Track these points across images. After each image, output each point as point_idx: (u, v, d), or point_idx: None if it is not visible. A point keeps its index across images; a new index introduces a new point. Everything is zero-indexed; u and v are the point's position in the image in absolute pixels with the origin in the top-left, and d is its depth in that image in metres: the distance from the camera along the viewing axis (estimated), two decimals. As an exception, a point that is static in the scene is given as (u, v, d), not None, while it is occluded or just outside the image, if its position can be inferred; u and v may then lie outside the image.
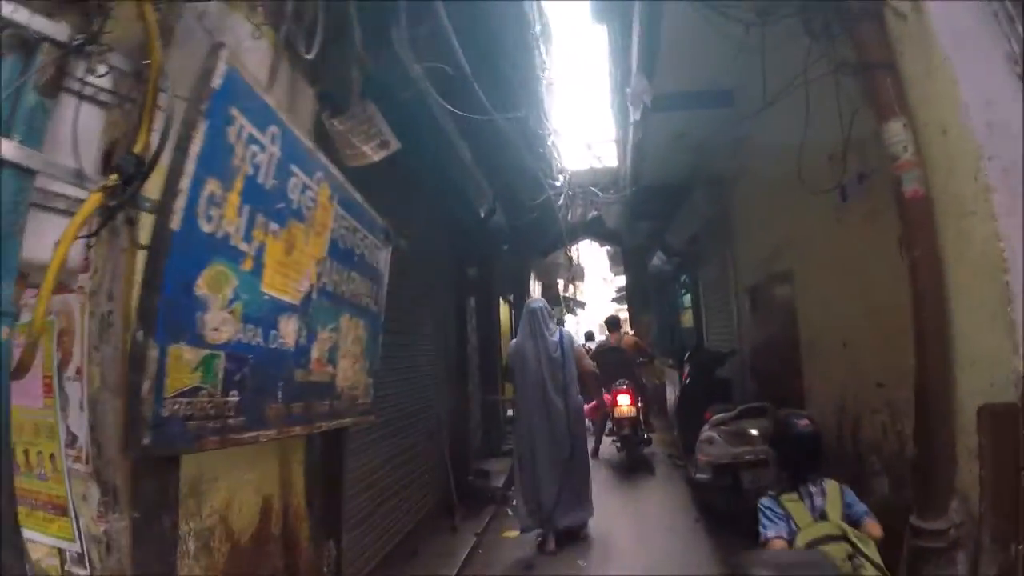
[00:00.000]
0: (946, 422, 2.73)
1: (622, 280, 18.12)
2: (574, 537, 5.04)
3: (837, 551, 2.36)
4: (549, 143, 8.57)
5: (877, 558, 2.40)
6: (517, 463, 5.15)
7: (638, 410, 7.38)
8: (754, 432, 4.50)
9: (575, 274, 16.71)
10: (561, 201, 10.55)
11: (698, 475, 5.12)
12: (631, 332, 11.43)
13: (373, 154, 3.21)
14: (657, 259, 10.41)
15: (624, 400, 7.32)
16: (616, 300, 21.42)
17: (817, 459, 2.85)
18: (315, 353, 2.25)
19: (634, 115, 4.69)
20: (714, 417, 4.69)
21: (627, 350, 8.68)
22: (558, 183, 10.12)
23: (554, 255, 15.98)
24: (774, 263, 5.31)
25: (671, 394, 9.88)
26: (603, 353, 8.57)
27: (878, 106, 3.11)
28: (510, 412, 9.38)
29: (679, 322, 11.56)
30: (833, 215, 4.09)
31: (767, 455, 4.40)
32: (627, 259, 14.27)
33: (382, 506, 4.15)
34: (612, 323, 9.38)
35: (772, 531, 2.57)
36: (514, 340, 5.43)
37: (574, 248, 16.02)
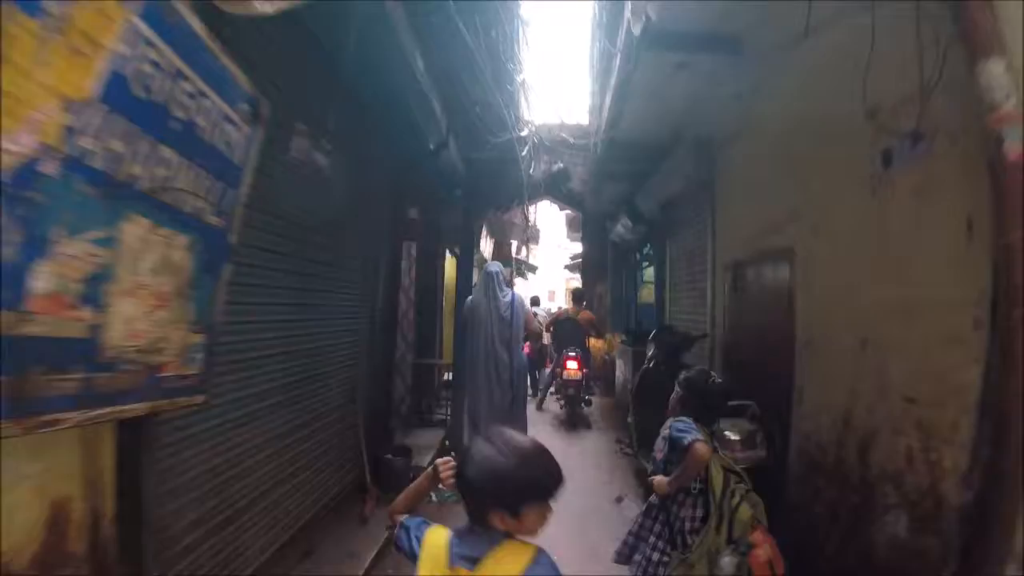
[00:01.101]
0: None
1: (578, 248, 17.35)
2: None
3: (728, 472, 2.70)
4: (519, 80, 7.52)
5: (748, 481, 2.77)
6: (464, 410, 5.79)
7: (583, 375, 8.50)
8: (734, 437, 3.74)
9: (530, 236, 15.76)
10: (524, 152, 9.67)
11: (654, 475, 4.37)
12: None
13: (265, 1, 2.14)
14: (621, 226, 9.55)
15: (572, 365, 8.38)
16: (570, 268, 20.68)
17: (723, 410, 3.16)
18: (42, 280, 1.24)
19: (634, 27, 3.72)
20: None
21: (581, 322, 9.47)
22: (524, 132, 9.30)
23: (511, 213, 15.06)
24: (769, 238, 4.50)
25: (620, 370, 9.22)
26: (560, 322, 9.59)
27: (973, 39, 2.34)
28: (447, 376, 8.60)
29: (636, 297, 10.83)
30: (864, 185, 3.28)
31: (751, 464, 3.68)
32: (587, 225, 13.43)
33: (259, 500, 3.17)
34: (577, 296, 10.24)
35: (692, 435, 2.63)
36: (470, 297, 6.02)
37: (532, 208, 15.15)
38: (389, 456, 4.89)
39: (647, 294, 10.38)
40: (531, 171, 10.43)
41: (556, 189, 10.48)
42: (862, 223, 3.31)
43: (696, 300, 6.32)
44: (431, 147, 5.15)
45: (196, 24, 1.57)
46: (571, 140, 11.17)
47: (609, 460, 6.62)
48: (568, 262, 20.22)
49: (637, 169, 7.93)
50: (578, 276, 22.13)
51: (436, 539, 1.46)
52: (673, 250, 7.51)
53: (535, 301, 13.82)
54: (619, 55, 4.81)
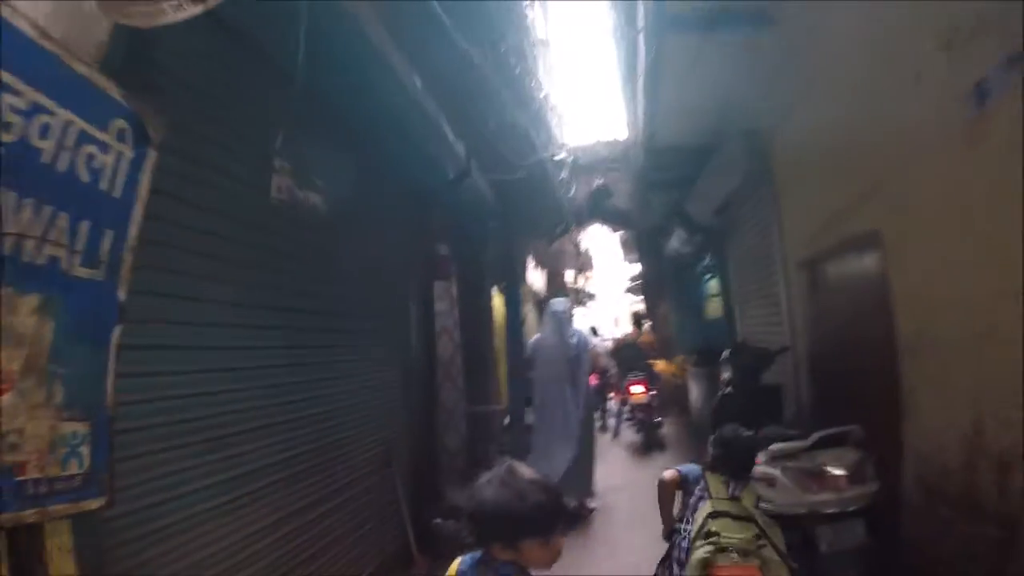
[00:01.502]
0: None
1: (636, 269, 16.65)
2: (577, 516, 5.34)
3: (743, 529, 2.35)
4: (542, 98, 7.11)
5: (781, 544, 2.37)
6: (534, 440, 5.81)
7: (650, 398, 8.56)
8: (837, 471, 3.02)
9: (583, 263, 15.19)
10: (563, 175, 9.28)
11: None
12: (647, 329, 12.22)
13: (176, 8, 1.78)
14: (676, 240, 8.88)
15: (637, 389, 8.54)
16: (630, 291, 19.87)
17: (752, 464, 2.76)
18: None
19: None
20: (775, 447, 3.21)
21: (643, 347, 9.87)
22: (559, 156, 8.93)
23: (560, 243, 14.60)
24: (847, 224, 3.82)
25: (694, 393, 8.40)
26: (622, 348, 10.14)
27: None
28: (507, 420, 8.10)
29: (702, 313, 10.04)
30: (958, 136, 2.63)
31: (859, 502, 2.97)
32: (641, 243, 12.77)
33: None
34: (636, 321, 11.02)
35: (676, 468, 2.73)
36: (537, 335, 6.26)
37: (582, 234, 14.65)
38: (439, 520, 4.36)
39: (713, 309, 9.59)
40: (571, 194, 10.01)
41: (599, 208, 9.97)
42: (962, 183, 2.64)
43: (769, 309, 5.59)
44: (450, 176, 4.74)
45: (24, 24, 1.18)
46: (609, 157, 10.71)
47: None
48: (628, 284, 19.44)
49: (683, 175, 7.32)
50: (641, 298, 21.28)
51: (458, 562, 1.47)
52: (736, 257, 6.79)
53: (594, 331, 13.55)
54: (641, 36, 4.31)
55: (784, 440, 3.37)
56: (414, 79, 3.66)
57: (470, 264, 7.15)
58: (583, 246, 16.00)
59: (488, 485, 1.40)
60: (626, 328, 19.09)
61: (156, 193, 1.67)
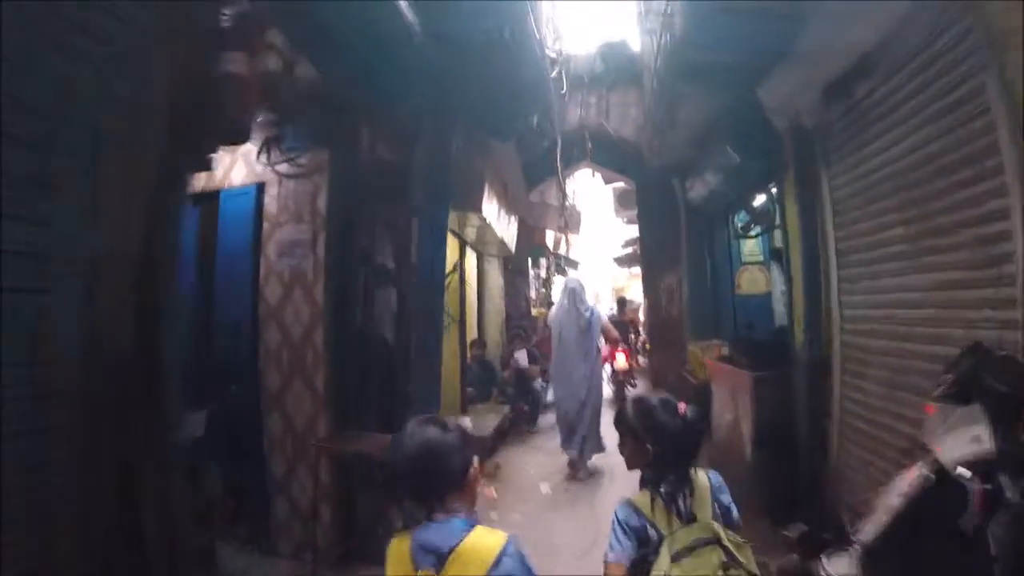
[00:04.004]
0: None
1: (631, 231, 13.85)
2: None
3: (709, 558, 1.79)
4: None
5: (753, 566, 1.84)
6: (556, 408, 6.57)
7: (630, 365, 9.88)
8: None
9: (568, 220, 12.18)
10: (554, 73, 6.51)
11: None
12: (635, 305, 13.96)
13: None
14: (711, 174, 5.97)
15: (621, 358, 9.54)
16: (620, 260, 17.03)
17: (696, 453, 2.01)
18: None
19: None
20: None
21: (628, 324, 11.89)
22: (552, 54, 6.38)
23: (542, 190, 11.71)
24: None
25: (727, 408, 5.29)
26: (614, 325, 10.02)
27: None
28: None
29: (733, 285, 7.24)
30: None
31: None
32: (647, 194, 9.86)
33: None
34: (621, 303, 13.11)
35: (612, 554, 1.87)
36: (553, 307, 7.02)
37: (569, 180, 11.77)
38: None
39: (750, 281, 6.79)
40: (564, 97, 7.16)
41: (610, 70, 7.55)
42: None
43: (936, 271, 2.73)
44: None
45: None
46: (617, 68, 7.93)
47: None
48: (619, 252, 16.57)
49: (755, 47, 4.27)
50: (629, 271, 18.44)
51: (399, 542, 1.44)
52: (843, 181, 3.85)
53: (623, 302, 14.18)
54: None
55: None
56: None
57: (379, 164, 4.17)
58: (571, 198, 13.13)
59: (413, 451, 1.42)
60: (611, 305, 16.77)
61: None
